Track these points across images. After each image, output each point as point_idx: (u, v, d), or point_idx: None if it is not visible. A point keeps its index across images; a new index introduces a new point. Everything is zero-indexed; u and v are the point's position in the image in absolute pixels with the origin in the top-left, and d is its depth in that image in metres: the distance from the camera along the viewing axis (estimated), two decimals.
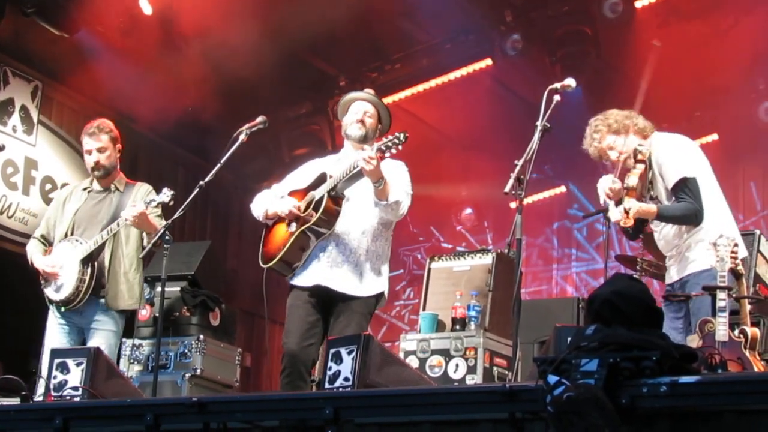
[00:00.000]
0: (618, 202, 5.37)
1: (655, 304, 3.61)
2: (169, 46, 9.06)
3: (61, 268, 6.28)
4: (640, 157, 5.35)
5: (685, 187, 5.33)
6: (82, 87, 9.25)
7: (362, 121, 5.68)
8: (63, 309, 6.30)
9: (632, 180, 5.31)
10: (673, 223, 5.37)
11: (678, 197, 5.32)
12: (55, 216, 6.54)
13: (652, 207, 5.31)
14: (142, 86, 9.11)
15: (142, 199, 6.29)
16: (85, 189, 6.57)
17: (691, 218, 5.32)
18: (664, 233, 5.51)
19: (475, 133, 11.11)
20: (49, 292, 6.36)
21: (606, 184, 5.42)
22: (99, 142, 6.45)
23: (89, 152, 6.46)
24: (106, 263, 6.29)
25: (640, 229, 5.62)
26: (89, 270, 6.24)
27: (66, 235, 6.40)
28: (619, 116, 5.53)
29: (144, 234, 6.34)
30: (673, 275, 5.48)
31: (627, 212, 5.18)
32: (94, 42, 8.99)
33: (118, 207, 6.36)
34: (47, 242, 6.52)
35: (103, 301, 6.27)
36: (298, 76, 10.35)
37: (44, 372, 5.13)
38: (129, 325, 6.66)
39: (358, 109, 5.73)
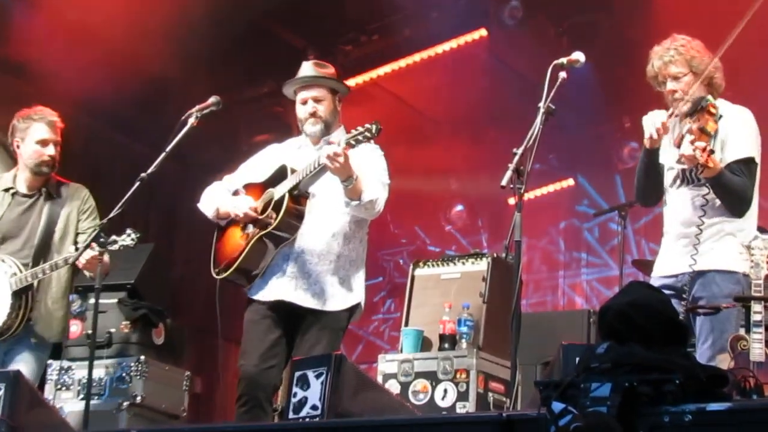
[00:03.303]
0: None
1: (678, 317, 3.62)
2: (107, 16, 9.01)
3: None
4: (713, 111, 5.24)
5: (748, 169, 5.29)
6: (3, 63, 9.21)
7: (314, 114, 5.65)
8: None
9: (712, 125, 5.21)
10: (723, 194, 5.25)
11: (735, 173, 5.27)
12: None
13: (718, 164, 5.19)
14: (75, 62, 9.06)
15: (87, 225, 6.34)
16: (7, 190, 6.48)
17: (742, 201, 5.27)
18: (681, 207, 5.42)
19: (466, 117, 11.13)
20: None
21: (659, 117, 5.32)
22: (57, 134, 6.41)
23: (45, 143, 6.36)
24: (35, 293, 6.28)
25: (661, 193, 5.53)
26: (23, 302, 6.22)
27: None
28: (707, 58, 5.43)
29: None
30: (679, 265, 5.36)
31: (706, 150, 5.05)
32: (19, 12, 8.95)
33: (50, 217, 6.34)
34: None
35: (29, 332, 6.26)
36: (259, 49, 10.32)
37: None
38: (56, 345, 6.65)
39: (304, 99, 5.70)
